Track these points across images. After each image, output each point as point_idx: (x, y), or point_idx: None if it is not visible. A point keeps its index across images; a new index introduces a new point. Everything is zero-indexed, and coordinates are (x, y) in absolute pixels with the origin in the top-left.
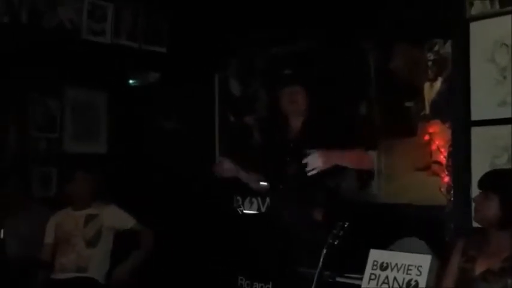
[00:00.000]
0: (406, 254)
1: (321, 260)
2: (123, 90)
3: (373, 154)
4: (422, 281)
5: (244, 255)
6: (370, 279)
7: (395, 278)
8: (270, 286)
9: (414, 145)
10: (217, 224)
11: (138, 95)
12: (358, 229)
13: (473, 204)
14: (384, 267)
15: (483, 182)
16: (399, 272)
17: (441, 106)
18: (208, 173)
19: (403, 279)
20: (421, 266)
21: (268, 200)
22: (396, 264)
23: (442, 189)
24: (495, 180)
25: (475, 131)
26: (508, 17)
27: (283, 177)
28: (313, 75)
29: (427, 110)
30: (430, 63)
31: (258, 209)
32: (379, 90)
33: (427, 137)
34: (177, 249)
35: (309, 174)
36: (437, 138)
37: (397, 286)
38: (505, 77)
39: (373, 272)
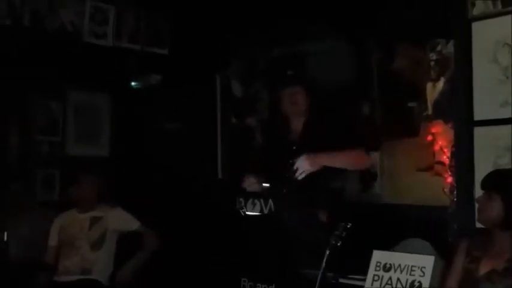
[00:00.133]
0: (409, 254)
1: (324, 261)
2: (125, 92)
3: (375, 155)
4: (426, 282)
5: (247, 257)
6: (373, 280)
7: (398, 279)
8: (273, 287)
9: (417, 145)
10: (220, 226)
11: (140, 97)
12: (360, 230)
13: (476, 205)
14: (387, 268)
15: (486, 183)
16: (402, 273)
17: (444, 106)
18: (211, 175)
19: (407, 280)
20: (424, 267)
21: (270, 201)
22: (399, 265)
23: (445, 190)
24: (498, 180)
25: (478, 131)
26: (510, 17)
27: (285, 178)
28: (314, 76)
29: (430, 110)
30: (432, 63)
31: (261, 211)
32: (382, 90)
33: (429, 138)
34: (180, 251)
35: (298, 177)
36: (440, 139)
37: (401, 287)
38: (507, 77)
39: (377, 273)
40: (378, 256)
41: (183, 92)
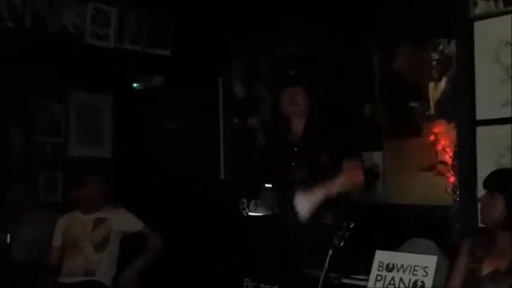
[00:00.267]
0: (412, 254)
1: (327, 261)
2: (127, 93)
3: (378, 155)
4: (429, 282)
5: (250, 257)
6: (376, 280)
7: (401, 279)
8: None
9: (419, 145)
10: (223, 226)
11: (143, 98)
12: (363, 230)
13: (479, 205)
14: (390, 268)
15: (488, 182)
16: (405, 272)
17: (446, 106)
18: (213, 175)
19: (409, 280)
20: (427, 267)
21: (273, 202)
22: (402, 265)
23: (448, 189)
24: (500, 179)
25: (480, 131)
26: None
27: (287, 179)
28: (315, 76)
29: (432, 110)
30: (434, 63)
31: (264, 211)
32: (384, 90)
33: (432, 137)
34: (183, 251)
35: (307, 217)
36: (443, 138)
37: (403, 287)
38: (509, 76)
39: (379, 273)
40: (381, 256)
41: (185, 93)
